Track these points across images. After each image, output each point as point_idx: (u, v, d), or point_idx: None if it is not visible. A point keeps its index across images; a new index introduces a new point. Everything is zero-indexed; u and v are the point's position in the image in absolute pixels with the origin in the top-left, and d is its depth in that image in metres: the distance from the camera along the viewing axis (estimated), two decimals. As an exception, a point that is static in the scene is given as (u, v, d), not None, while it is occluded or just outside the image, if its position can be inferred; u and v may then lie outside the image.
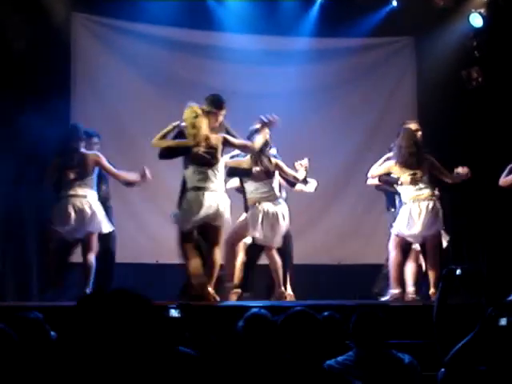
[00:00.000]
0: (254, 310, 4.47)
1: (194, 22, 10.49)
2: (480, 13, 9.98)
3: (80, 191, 8.10)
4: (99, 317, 1.77)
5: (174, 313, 5.55)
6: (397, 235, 8.20)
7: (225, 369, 3.03)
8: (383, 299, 8.21)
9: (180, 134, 7.59)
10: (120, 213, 9.26)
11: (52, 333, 3.85)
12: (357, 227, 10.52)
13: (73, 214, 8.04)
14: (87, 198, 8.09)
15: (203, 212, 7.35)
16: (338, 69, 10.81)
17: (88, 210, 8.05)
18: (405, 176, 8.10)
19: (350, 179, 10.40)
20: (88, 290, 7.86)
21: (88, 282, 8.02)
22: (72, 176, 8.08)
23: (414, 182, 8.07)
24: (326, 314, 4.83)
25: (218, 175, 7.46)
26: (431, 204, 8.06)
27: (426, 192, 8.10)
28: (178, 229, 7.52)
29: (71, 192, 8.10)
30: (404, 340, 5.53)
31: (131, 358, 1.75)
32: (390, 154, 8.33)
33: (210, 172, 7.41)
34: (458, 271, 4.29)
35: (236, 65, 10.52)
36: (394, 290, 8.08)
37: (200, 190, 7.40)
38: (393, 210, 8.66)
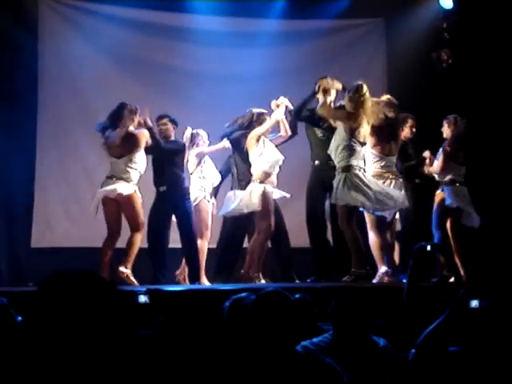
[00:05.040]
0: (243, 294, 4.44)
1: (162, 3, 10.42)
2: (450, -6, 10.00)
3: None
4: (62, 299, 1.72)
5: (142, 299, 5.50)
6: None
7: (188, 349, 3.00)
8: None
9: None
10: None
11: (19, 318, 3.80)
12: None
13: None
14: None
15: None
16: (308, 51, 10.76)
17: None
18: None
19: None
20: None
21: None
22: None
23: None
24: (297, 296, 4.82)
25: None
26: None
27: None
28: None
29: None
30: (375, 321, 5.51)
31: (95, 341, 1.70)
32: None
33: None
34: (429, 247, 4.27)
35: (205, 47, 10.45)
36: None
37: None
38: None
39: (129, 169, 7.84)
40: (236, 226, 8.45)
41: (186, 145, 8.79)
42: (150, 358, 1.86)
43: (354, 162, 7.70)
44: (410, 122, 8.80)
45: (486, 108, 9.86)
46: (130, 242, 7.88)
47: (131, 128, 7.92)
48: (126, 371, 1.76)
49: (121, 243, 8.02)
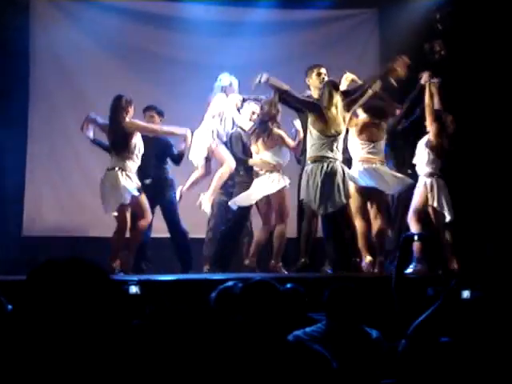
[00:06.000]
0: (229, 283, 4.44)
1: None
2: (443, -15, 10.00)
3: None
4: (52, 287, 1.71)
5: (134, 289, 5.47)
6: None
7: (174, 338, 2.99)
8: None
9: None
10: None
11: (9, 306, 3.79)
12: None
13: None
14: None
15: None
16: (301, 41, 10.74)
17: None
18: None
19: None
20: None
21: None
22: None
23: None
24: (288, 286, 4.82)
25: None
26: None
27: None
28: None
29: None
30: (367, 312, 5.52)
31: (85, 330, 1.69)
32: None
33: None
34: (416, 238, 4.26)
35: (198, 36, 10.41)
36: None
37: None
38: None
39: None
40: (241, 215, 8.44)
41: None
42: (140, 348, 1.86)
43: (326, 153, 7.73)
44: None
45: (479, 99, 9.86)
46: (120, 235, 7.90)
47: (127, 119, 7.90)
48: (117, 361, 1.75)
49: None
